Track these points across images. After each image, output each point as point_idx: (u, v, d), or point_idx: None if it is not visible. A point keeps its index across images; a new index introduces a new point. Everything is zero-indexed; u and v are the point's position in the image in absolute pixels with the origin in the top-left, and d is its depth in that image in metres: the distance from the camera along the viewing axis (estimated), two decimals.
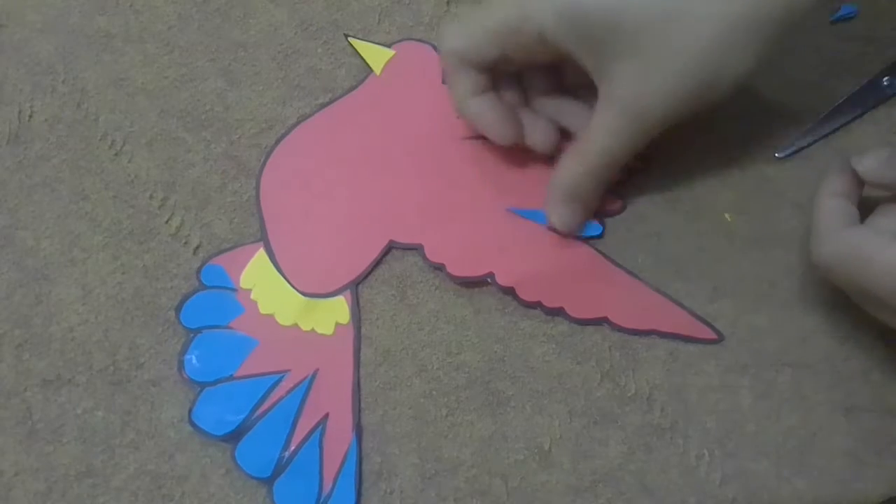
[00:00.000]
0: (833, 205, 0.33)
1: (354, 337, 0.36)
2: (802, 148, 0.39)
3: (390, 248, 0.37)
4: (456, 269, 0.36)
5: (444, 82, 0.39)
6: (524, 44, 0.33)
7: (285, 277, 0.36)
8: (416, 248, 0.37)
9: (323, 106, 0.39)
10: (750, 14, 0.31)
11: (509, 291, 0.36)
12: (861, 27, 0.41)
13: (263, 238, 0.37)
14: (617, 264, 0.36)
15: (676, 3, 0.31)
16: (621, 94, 0.33)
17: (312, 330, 0.36)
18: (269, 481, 0.33)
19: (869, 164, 0.33)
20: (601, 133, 0.34)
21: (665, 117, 0.33)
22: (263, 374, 0.35)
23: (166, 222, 0.37)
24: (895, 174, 0.33)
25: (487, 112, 0.35)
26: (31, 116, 0.39)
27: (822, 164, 0.38)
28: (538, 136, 0.36)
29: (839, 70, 0.40)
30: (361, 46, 0.40)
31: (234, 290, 0.36)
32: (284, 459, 0.34)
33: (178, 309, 0.36)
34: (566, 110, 0.37)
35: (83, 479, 0.34)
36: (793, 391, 0.35)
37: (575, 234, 0.36)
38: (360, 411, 0.35)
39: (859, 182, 0.34)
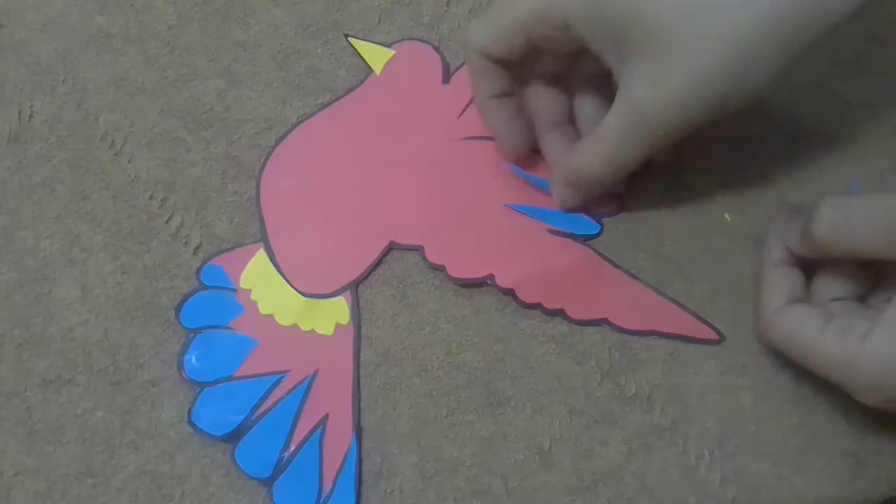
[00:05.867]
0: (774, 276, 0.33)
1: (354, 337, 0.36)
2: None
3: (390, 248, 0.37)
4: (456, 271, 0.36)
5: (445, 82, 0.39)
6: (549, 35, 0.32)
7: (285, 278, 0.36)
8: (417, 249, 0.37)
9: (323, 106, 0.39)
10: (779, 22, 0.29)
11: (509, 293, 0.36)
12: (861, 27, 0.41)
13: (263, 238, 0.37)
14: (617, 264, 0.36)
15: (701, 2, 0.29)
16: (632, 96, 0.31)
17: (312, 330, 0.36)
18: (268, 482, 0.33)
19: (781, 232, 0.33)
20: (611, 133, 0.33)
21: (672, 126, 0.32)
22: (263, 375, 0.35)
23: (166, 222, 0.37)
24: (814, 243, 0.31)
25: (503, 118, 0.36)
26: (31, 116, 0.39)
27: (823, 164, 0.38)
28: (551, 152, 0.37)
29: (839, 70, 0.40)
30: (361, 46, 0.40)
31: (233, 290, 0.36)
32: (284, 460, 0.34)
33: (177, 309, 0.36)
34: (583, 107, 0.36)
35: (83, 479, 0.34)
36: (793, 391, 0.35)
37: (575, 210, 0.37)
38: (360, 411, 0.35)
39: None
